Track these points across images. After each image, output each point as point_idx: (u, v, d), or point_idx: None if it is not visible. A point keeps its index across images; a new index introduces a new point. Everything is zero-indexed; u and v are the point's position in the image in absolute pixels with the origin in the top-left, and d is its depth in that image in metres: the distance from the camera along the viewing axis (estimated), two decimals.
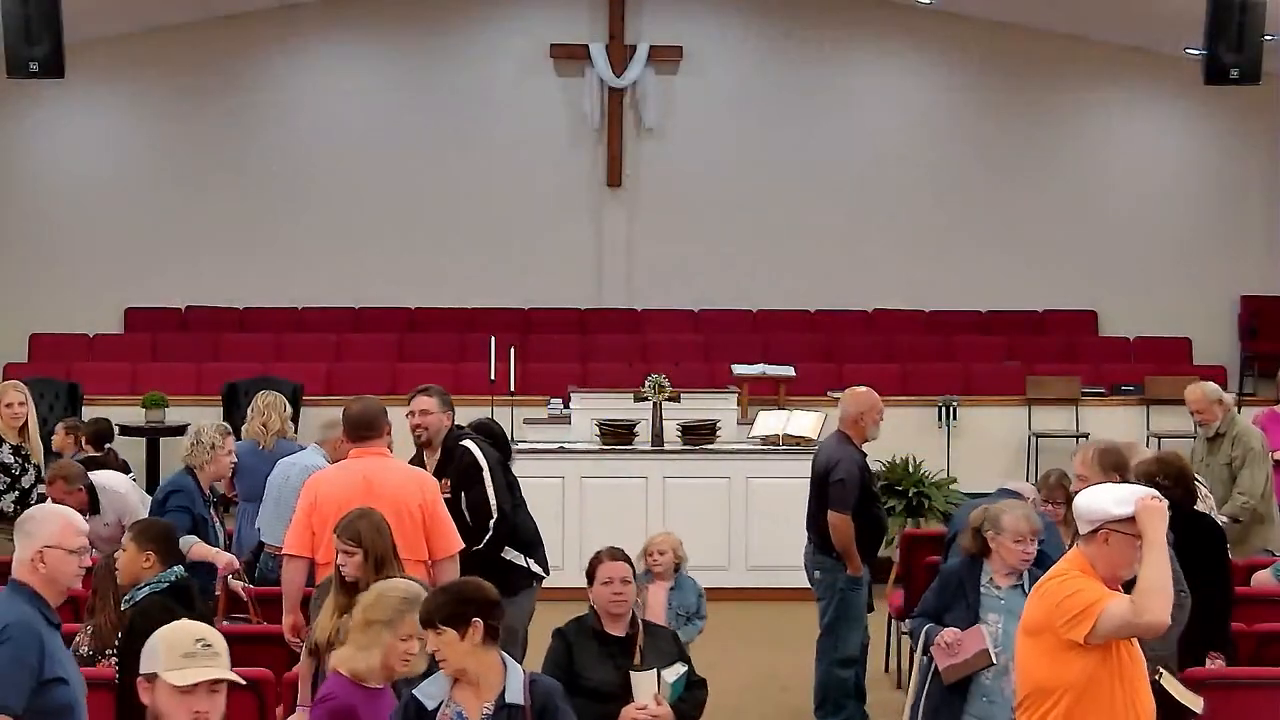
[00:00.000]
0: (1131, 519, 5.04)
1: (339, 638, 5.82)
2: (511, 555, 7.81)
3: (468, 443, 7.78)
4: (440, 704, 4.90)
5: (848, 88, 17.76)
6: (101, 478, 8.83)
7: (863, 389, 8.80)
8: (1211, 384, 9.70)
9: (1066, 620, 4.98)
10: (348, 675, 5.32)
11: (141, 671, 4.19)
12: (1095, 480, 6.43)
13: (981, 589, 6.48)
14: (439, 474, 7.55)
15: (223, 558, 7.73)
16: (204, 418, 14.98)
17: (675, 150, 17.58)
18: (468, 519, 7.55)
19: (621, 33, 17.38)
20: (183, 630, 4.23)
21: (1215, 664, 6.91)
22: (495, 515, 7.64)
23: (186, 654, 4.12)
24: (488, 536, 7.62)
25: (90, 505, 8.49)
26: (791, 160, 17.59)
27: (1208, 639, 6.94)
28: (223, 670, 4.16)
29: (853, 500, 8.42)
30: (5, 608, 4.97)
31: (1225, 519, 8.68)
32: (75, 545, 5.04)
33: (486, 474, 7.66)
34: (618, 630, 6.18)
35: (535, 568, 7.95)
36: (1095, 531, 5.12)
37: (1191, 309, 17.39)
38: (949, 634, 6.39)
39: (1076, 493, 6.28)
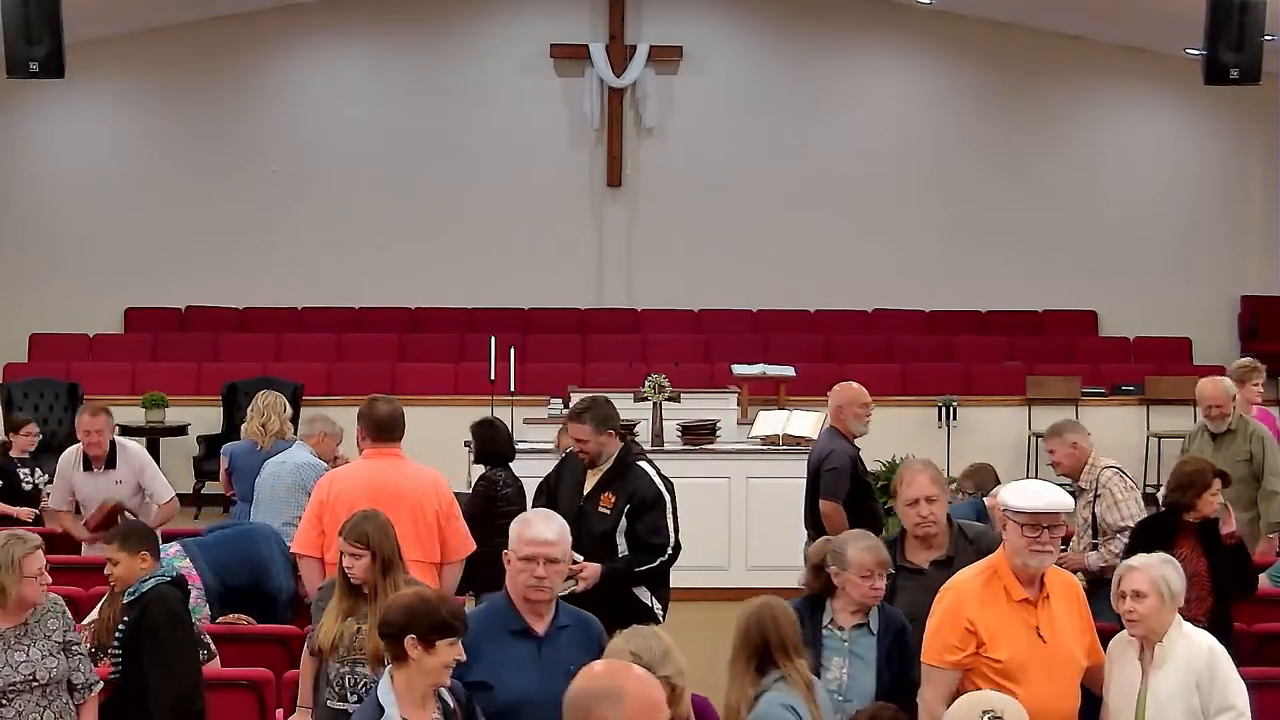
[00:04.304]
0: (1022, 511, 5.43)
1: (343, 641, 5.78)
2: (640, 593, 7.39)
3: (646, 466, 7.47)
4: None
5: (848, 88, 17.76)
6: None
7: (847, 384, 8.85)
8: (1226, 379, 9.65)
9: (925, 639, 5.54)
10: None
11: None
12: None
13: (824, 632, 5.82)
14: (603, 489, 7.30)
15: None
16: (204, 418, 15.12)
17: (675, 150, 17.57)
18: (639, 540, 7.27)
19: (621, 33, 17.37)
20: (969, 702, 4.61)
21: None
22: (673, 545, 7.34)
23: None
24: (661, 559, 7.31)
25: (108, 460, 8.88)
26: (791, 160, 17.58)
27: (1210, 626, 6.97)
28: None
29: (844, 489, 8.42)
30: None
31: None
32: (523, 554, 5.30)
33: (668, 504, 7.38)
34: None
35: (657, 609, 7.43)
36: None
37: (1191, 309, 17.39)
38: None
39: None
